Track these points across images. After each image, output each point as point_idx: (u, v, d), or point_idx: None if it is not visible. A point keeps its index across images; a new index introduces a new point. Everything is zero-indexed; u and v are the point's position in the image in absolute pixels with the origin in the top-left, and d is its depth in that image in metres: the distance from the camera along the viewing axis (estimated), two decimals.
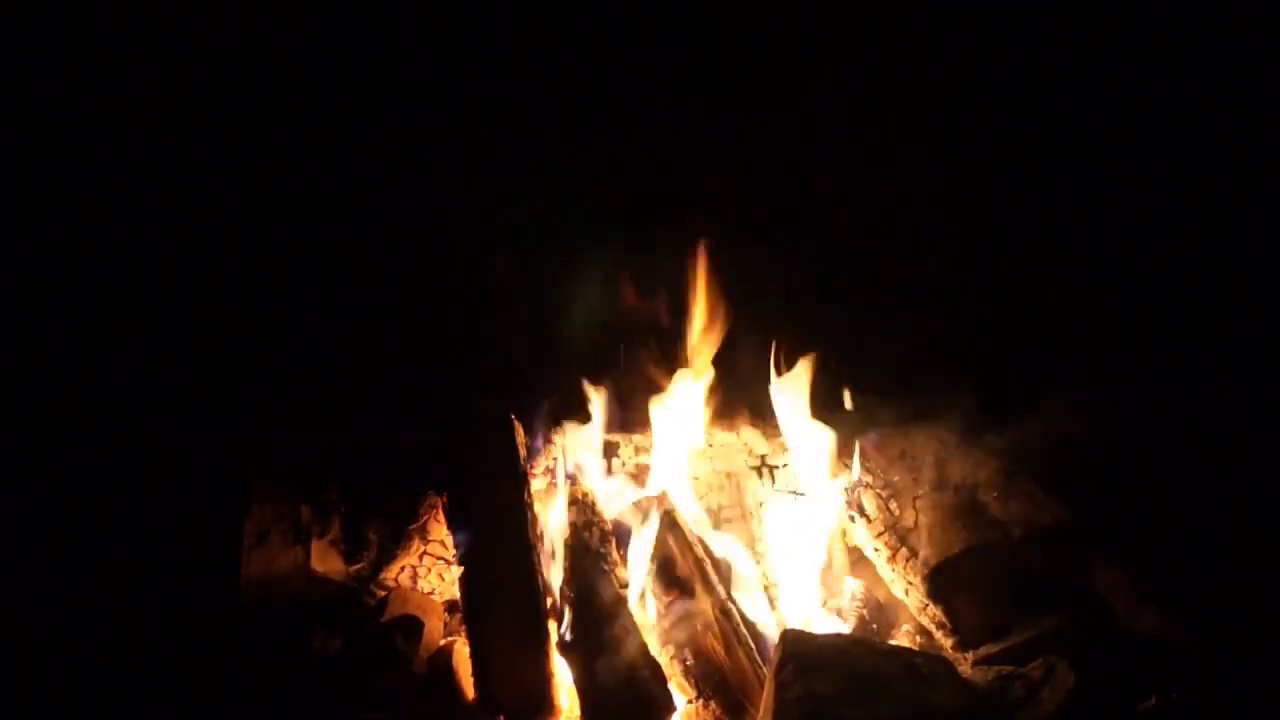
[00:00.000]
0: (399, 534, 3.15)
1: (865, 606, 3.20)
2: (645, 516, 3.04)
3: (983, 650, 2.80)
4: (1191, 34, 3.60)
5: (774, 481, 3.50)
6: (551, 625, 2.73)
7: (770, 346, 3.33)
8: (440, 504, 3.12)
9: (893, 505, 3.16)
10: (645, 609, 2.92)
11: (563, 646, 2.68)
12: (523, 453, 3.09)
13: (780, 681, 2.33)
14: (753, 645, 2.73)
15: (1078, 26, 3.72)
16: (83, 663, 2.79)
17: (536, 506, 3.04)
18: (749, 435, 3.56)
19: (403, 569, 3.13)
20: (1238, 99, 3.58)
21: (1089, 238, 3.78)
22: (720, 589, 2.87)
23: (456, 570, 2.94)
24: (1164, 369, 3.34)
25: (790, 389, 3.28)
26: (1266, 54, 3.49)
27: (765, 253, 3.87)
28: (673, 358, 3.39)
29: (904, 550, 3.06)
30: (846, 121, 3.89)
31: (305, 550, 3.07)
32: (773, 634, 2.83)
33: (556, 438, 3.33)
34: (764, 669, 2.61)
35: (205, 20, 3.66)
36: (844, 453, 3.31)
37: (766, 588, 3.16)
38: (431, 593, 3.15)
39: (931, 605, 2.94)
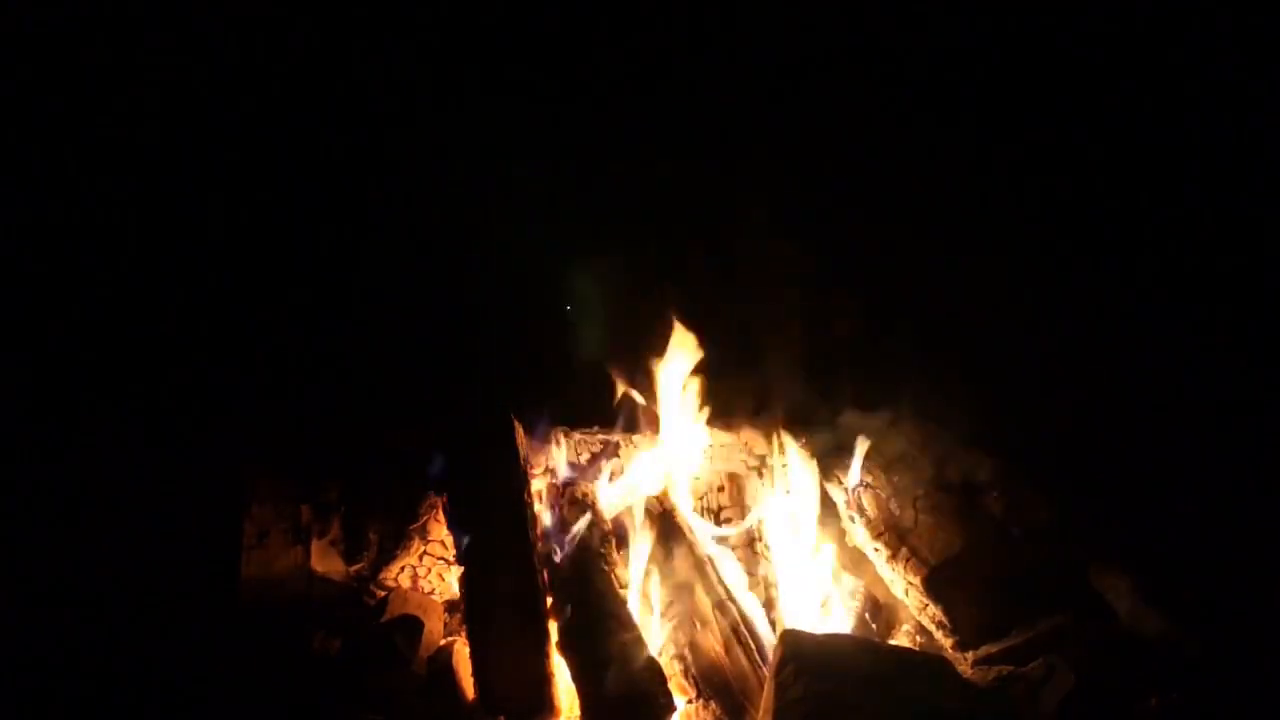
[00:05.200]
0: (399, 534, 3.15)
1: (865, 606, 3.20)
2: (645, 516, 3.04)
3: (983, 650, 2.80)
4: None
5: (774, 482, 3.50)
6: (551, 625, 2.73)
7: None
8: (440, 504, 3.12)
9: (893, 505, 3.16)
10: (645, 609, 2.92)
11: (563, 646, 2.68)
12: (523, 453, 3.09)
13: (780, 681, 2.32)
14: (753, 645, 2.73)
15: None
16: (83, 662, 2.79)
17: (536, 506, 3.04)
18: (749, 435, 3.55)
19: (403, 569, 3.13)
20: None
21: (1091, 237, 3.78)
22: (720, 589, 2.87)
23: (456, 570, 2.94)
24: (1164, 369, 3.34)
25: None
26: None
27: (765, 250, 3.87)
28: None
29: (904, 550, 3.06)
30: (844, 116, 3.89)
31: (305, 550, 3.07)
32: (772, 634, 2.83)
33: (556, 438, 3.33)
34: (764, 669, 2.60)
35: (204, 20, 3.66)
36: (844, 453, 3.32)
37: (767, 588, 3.16)
38: (431, 593, 3.15)
39: (931, 605, 2.94)
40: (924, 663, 2.49)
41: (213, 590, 2.98)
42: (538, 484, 3.21)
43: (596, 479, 3.28)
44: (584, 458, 3.40)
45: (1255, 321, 3.37)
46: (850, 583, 3.25)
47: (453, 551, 3.05)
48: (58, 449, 3.22)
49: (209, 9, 3.67)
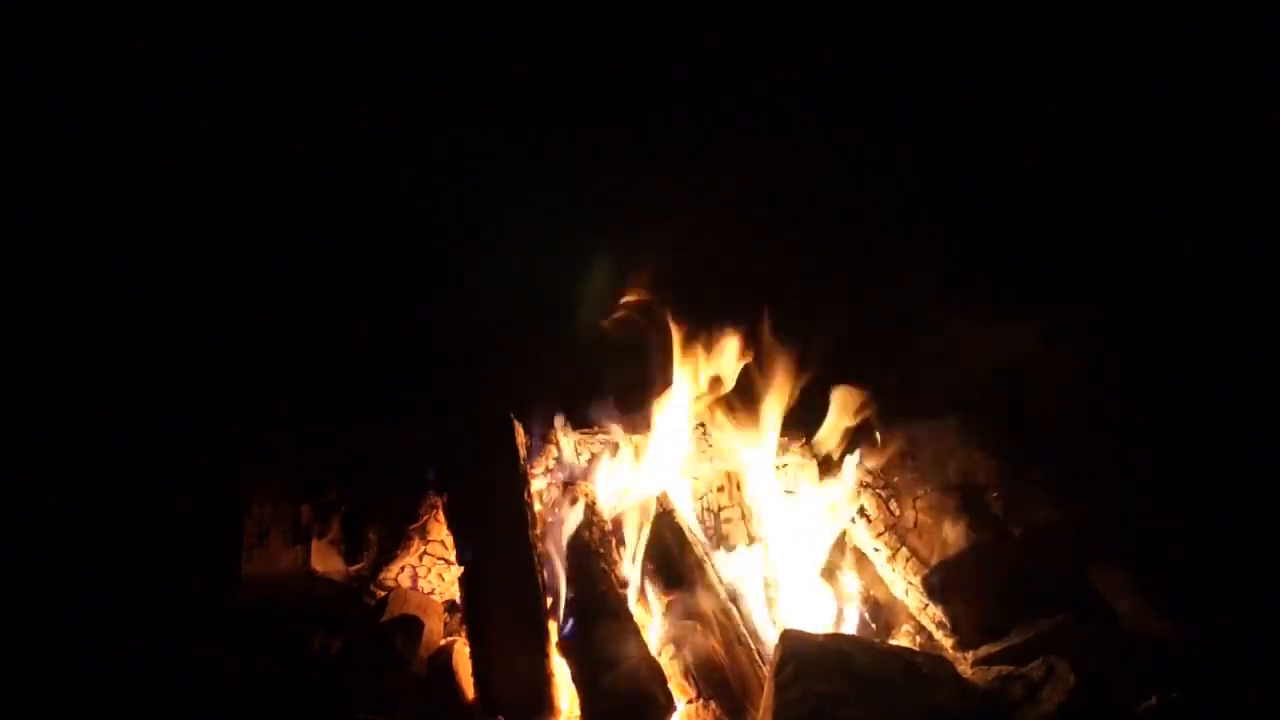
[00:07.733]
0: (399, 534, 3.15)
1: (865, 606, 3.20)
2: (645, 516, 3.04)
3: (983, 650, 2.80)
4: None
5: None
6: (551, 625, 2.73)
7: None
8: (440, 504, 3.12)
9: (893, 505, 3.16)
10: (645, 609, 2.92)
11: (562, 646, 2.68)
12: (523, 453, 3.09)
13: (780, 681, 2.32)
14: (753, 645, 2.73)
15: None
16: (83, 662, 2.79)
17: (536, 506, 3.04)
18: (749, 435, 3.55)
19: (403, 569, 3.13)
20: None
21: (1090, 237, 3.78)
22: (720, 589, 2.87)
23: (456, 570, 2.94)
24: (1163, 369, 3.33)
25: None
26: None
27: (768, 249, 3.87)
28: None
29: (904, 550, 3.06)
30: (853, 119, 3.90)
31: (305, 550, 3.07)
32: (773, 634, 2.83)
33: (556, 437, 3.33)
34: (764, 669, 2.60)
35: (197, 17, 3.66)
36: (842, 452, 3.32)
37: (767, 588, 3.16)
38: (431, 593, 3.15)
39: (931, 605, 2.94)
40: (924, 663, 2.49)
41: (213, 590, 2.98)
42: (538, 484, 3.22)
43: (596, 479, 3.28)
44: (584, 458, 3.40)
45: (1255, 321, 3.38)
46: (850, 583, 3.26)
47: (453, 551, 3.05)
48: (55, 448, 3.22)
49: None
